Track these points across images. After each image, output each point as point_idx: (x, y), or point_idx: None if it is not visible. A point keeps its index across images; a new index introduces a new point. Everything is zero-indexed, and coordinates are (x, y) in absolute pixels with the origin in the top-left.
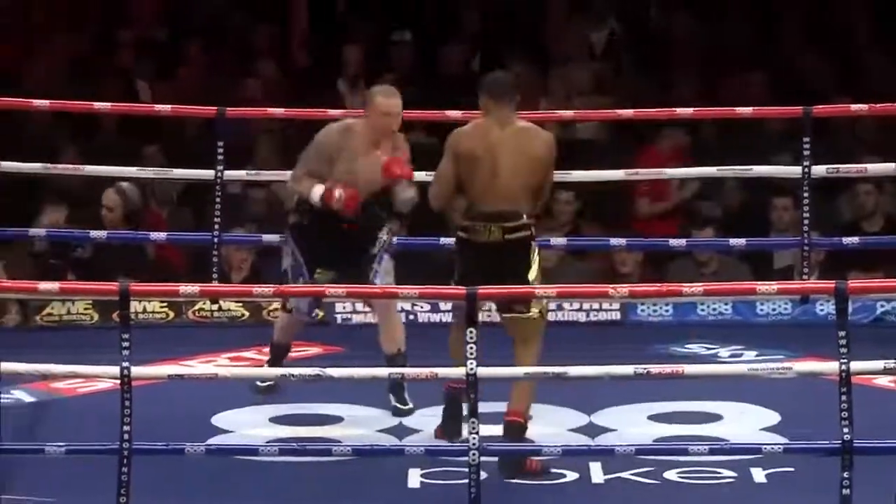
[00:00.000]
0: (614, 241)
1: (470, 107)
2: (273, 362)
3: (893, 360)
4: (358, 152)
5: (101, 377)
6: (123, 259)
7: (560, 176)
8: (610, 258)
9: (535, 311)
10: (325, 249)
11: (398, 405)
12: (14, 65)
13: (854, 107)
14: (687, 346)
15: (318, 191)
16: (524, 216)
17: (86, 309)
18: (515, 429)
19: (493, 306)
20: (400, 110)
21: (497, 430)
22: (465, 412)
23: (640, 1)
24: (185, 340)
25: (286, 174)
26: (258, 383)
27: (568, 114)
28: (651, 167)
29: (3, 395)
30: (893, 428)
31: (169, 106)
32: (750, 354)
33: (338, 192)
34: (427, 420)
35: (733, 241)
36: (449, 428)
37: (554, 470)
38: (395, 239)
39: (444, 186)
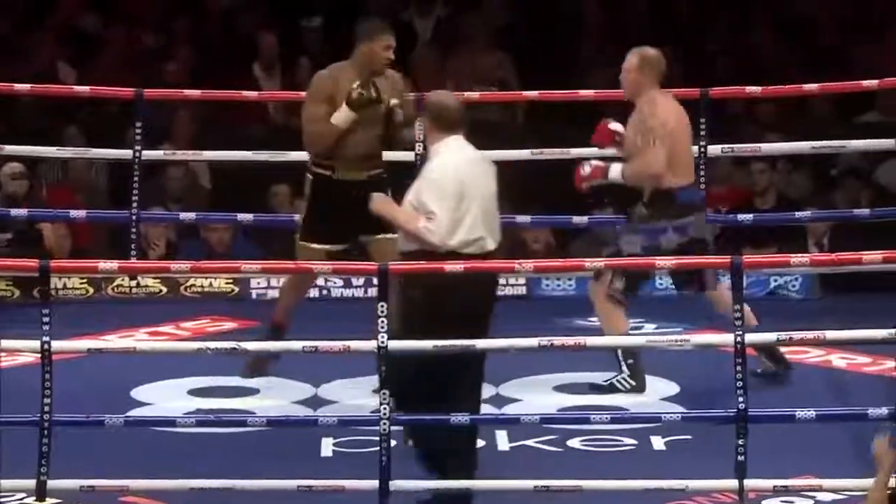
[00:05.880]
0: (520, 218)
1: None
2: None
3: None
4: None
5: (21, 351)
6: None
7: None
8: (520, 236)
9: None
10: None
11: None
12: None
13: (749, 89)
14: (590, 319)
15: None
16: None
17: (7, 285)
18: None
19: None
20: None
21: None
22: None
23: None
24: (104, 316)
25: (202, 154)
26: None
27: (473, 95)
28: None
29: None
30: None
31: (87, 87)
32: (650, 327)
33: None
34: (342, 392)
35: None
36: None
37: None
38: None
39: None
